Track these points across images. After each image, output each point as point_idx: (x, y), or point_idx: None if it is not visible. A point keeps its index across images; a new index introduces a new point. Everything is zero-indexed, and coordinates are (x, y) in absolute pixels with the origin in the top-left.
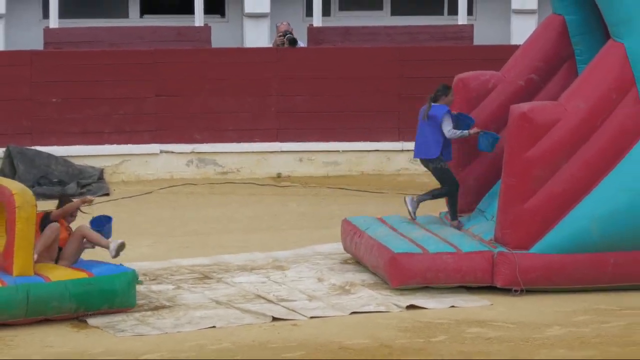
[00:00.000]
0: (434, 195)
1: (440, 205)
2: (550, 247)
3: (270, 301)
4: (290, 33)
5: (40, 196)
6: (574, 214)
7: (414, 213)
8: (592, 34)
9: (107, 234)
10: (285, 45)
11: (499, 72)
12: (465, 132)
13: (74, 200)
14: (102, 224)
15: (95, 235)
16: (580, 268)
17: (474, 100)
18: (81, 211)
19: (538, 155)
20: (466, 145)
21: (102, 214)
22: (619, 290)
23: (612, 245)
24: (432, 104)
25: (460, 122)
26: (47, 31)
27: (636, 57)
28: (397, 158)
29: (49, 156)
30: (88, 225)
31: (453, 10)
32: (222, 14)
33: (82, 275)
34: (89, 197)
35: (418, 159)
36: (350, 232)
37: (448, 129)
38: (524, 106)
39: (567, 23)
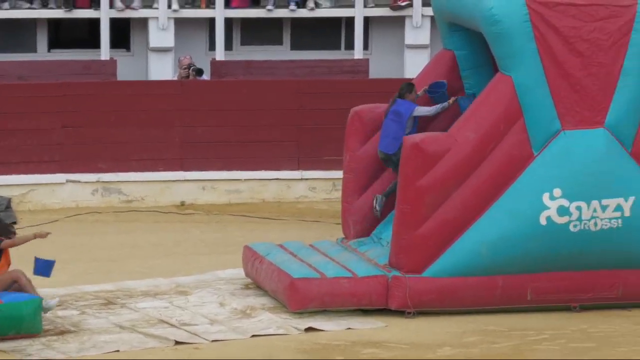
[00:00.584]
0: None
1: (338, 231)
2: (442, 270)
3: (173, 325)
4: (194, 65)
5: None
6: (465, 238)
7: (379, 211)
8: (481, 69)
9: (46, 273)
10: (192, 76)
11: None
12: (445, 103)
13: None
14: (46, 268)
15: (29, 287)
16: (471, 290)
17: (369, 132)
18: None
19: (430, 183)
20: (362, 176)
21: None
22: (508, 312)
23: (500, 269)
24: (398, 99)
25: (435, 95)
26: None
27: (523, 89)
28: (296, 186)
29: None
30: (23, 272)
31: (349, 45)
32: (128, 48)
33: None
34: (44, 231)
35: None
36: (252, 258)
37: (425, 110)
38: (417, 137)
39: (457, 58)
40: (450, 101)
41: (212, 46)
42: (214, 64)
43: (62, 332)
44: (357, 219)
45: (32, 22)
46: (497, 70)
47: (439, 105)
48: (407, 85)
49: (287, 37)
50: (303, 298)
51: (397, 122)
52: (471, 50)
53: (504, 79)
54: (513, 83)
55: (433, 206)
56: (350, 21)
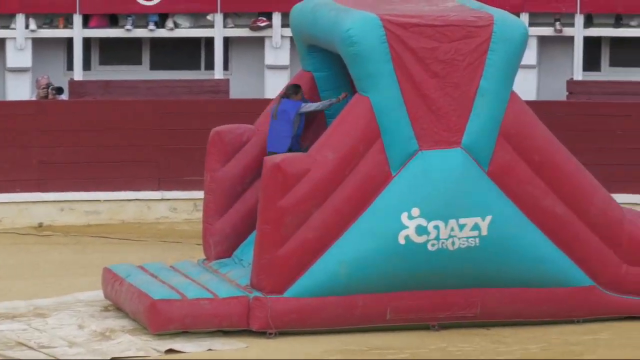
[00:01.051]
0: None
1: (200, 252)
2: (303, 291)
3: (31, 348)
4: (52, 85)
5: None
6: (325, 258)
7: None
8: (340, 90)
9: None
10: (51, 95)
11: (253, 125)
12: (334, 99)
13: None
14: None
15: None
16: (331, 310)
17: (229, 153)
18: None
19: (291, 204)
20: (223, 197)
21: None
22: (368, 331)
23: (360, 288)
24: (283, 99)
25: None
26: None
27: (381, 110)
28: (157, 207)
29: None
30: None
31: (210, 66)
32: None
33: None
34: None
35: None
36: (111, 280)
37: (313, 106)
38: (277, 158)
39: (316, 79)
40: (341, 97)
41: (70, 66)
42: (72, 84)
43: None
44: (218, 240)
45: None
46: (355, 91)
47: (326, 100)
48: (294, 87)
49: (146, 57)
50: (164, 319)
51: (285, 121)
52: (330, 72)
53: (361, 100)
54: (371, 104)
55: (294, 226)
56: (210, 41)
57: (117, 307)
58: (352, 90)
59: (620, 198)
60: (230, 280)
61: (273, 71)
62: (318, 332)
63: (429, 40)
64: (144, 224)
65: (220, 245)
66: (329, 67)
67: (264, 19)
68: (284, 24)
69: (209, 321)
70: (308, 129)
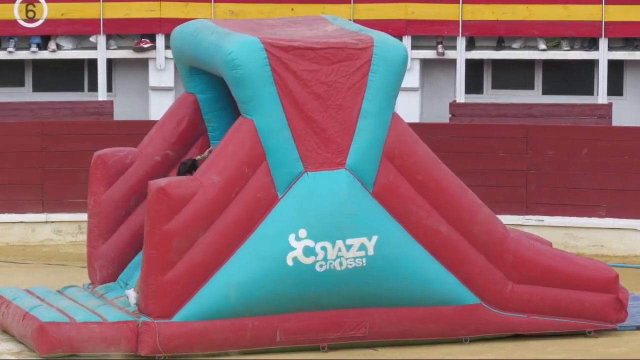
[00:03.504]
0: None
1: (85, 275)
2: (192, 314)
3: None
4: None
5: None
6: (213, 282)
7: None
8: (224, 112)
9: None
10: None
11: (136, 147)
12: None
13: None
14: None
15: None
16: (220, 333)
17: (113, 176)
18: None
19: (177, 228)
20: (107, 220)
21: None
22: (259, 353)
23: (249, 310)
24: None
25: None
26: None
27: (265, 132)
28: (41, 229)
29: None
30: None
31: (93, 87)
32: None
33: None
34: None
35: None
36: None
37: None
38: (162, 181)
39: (199, 101)
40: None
41: None
42: None
43: None
44: (102, 264)
45: None
46: (239, 113)
47: None
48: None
49: (29, 79)
50: (52, 342)
51: None
52: (213, 94)
53: (245, 123)
54: (255, 126)
55: (181, 250)
56: (93, 63)
57: (3, 329)
58: (236, 112)
59: (503, 219)
60: (118, 306)
61: (157, 93)
62: (208, 355)
63: (311, 63)
64: (28, 247)
65: (106, 270)
66: (212, 89)
67: (147, 40)
68: (168, 46)
69: (97, 345)
70: (193, 154)
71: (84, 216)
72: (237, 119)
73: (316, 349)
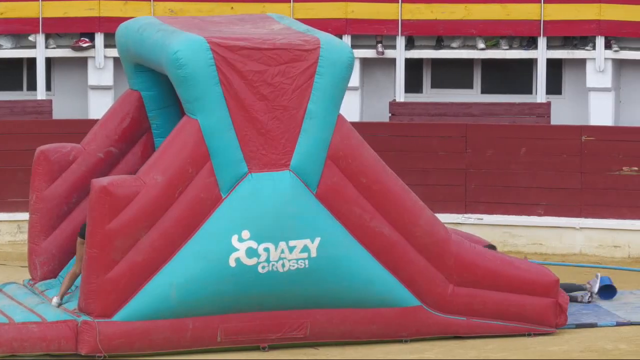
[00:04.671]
0: None
1: (24, 274)
2: (133, 314)
3: None
4: None
5: None
6: (155, 281)
7: None
8: (168, 110)
9: None
10: None
11: (79, 144)
12: None
13: None
14: None
15: None
16: (161, 333)
17: (55, 172)
18: None
19: (119, 227)
20: (49, 216)
21: None
22: (201, 352)
23: (191, 311)
24: None
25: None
26: None
27: (210, 132)
28: None
29: None
30: None
31: (32, 86)
32: None
33: None
34: None
35: None
36: None
37: None
38: (104, 180)
39: (144, 98)
40: None
41: None
42: None
43: None
44: (44, 260)
45: None
46: (184, 112)
47: None
48: None
49: None
50: None
51: None
52: (158, 91)
53: (190, 122)
54: (199, 126)
55: (123, 250)
56: (32, 62)
57: None
58: (181, 110)
59: (442, 218)
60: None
61: (97, 91)
62: (149, 355)
63: (257, 64)
64: None
65: (46, 266)
66: (156, 86)
67: (86, 39)
68: (107, 45)
69: (36, 345)
70: (136, 151)
71: (22, 215)
72: (182, 118)
73: (257, 348)
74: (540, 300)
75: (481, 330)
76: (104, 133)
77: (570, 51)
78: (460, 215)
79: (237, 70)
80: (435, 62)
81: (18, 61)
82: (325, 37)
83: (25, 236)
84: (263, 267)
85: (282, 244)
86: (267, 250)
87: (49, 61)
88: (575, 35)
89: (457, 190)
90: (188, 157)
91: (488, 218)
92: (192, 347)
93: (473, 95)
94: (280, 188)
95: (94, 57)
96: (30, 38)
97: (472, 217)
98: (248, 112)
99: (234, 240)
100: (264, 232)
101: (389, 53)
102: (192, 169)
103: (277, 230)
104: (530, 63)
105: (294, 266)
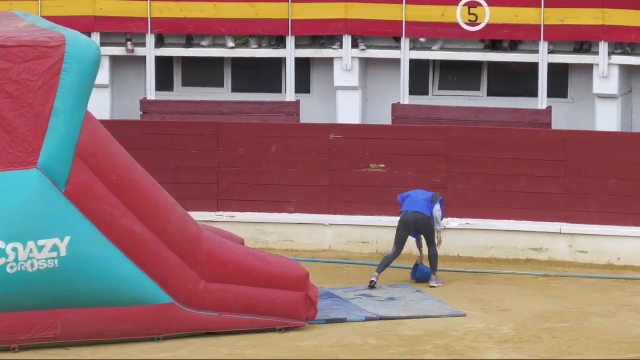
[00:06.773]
0: None
1: None
2: None
3: None
4: None
5: None
6: None
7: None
8: None
9: None
10: None
11: None
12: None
13: None
14: None
15: None
16: None
17: None
18: None
19: None
20: None
21: None
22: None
23: None
24: None
25: None
26: None
27: None
28: None
29: None
30: None
31: None
32: None
33: None
34: None
35: None
36: None
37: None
38: None
39: None
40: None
41: None
42: None
43: None
44: None
45: None
46: None
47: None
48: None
49: None
50: None
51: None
52: None
53: None
54: None
55: None
56: None
57: None
58: None
59: (195, 216)
60: None
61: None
62: None
63: (2, 61)
64: None
65: None
66: None
67: None
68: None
69: None
70: None
71: None
72: None
73: (7, 349)
74: (291, 294)
75: (233, 325)
76: None
77: (317, 50)
78: (212, 213)
79: None
80: (186, 60)
81: None
82: (70, 34)
83: None
84: (11, 267)
85: (31, 244)
86: (15, 250)
87: None
88: (323, 35)
89: (209, 188)
90: None
91: (240, 215)
92: None
93: (224, 93)
94: (27, 186)
95: None
96: None
97: (225, 215)
98: None
99: None
100: (11, 231)
101: (139, 51)
102: None
103: (25, 230)
104: (279, 62)
105: (43, 265)
